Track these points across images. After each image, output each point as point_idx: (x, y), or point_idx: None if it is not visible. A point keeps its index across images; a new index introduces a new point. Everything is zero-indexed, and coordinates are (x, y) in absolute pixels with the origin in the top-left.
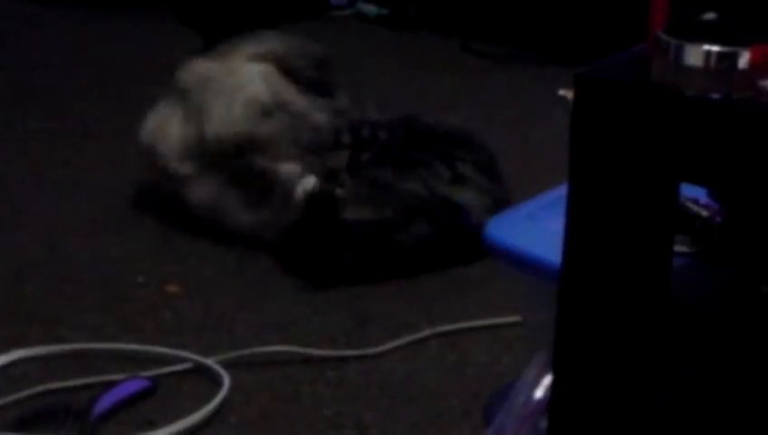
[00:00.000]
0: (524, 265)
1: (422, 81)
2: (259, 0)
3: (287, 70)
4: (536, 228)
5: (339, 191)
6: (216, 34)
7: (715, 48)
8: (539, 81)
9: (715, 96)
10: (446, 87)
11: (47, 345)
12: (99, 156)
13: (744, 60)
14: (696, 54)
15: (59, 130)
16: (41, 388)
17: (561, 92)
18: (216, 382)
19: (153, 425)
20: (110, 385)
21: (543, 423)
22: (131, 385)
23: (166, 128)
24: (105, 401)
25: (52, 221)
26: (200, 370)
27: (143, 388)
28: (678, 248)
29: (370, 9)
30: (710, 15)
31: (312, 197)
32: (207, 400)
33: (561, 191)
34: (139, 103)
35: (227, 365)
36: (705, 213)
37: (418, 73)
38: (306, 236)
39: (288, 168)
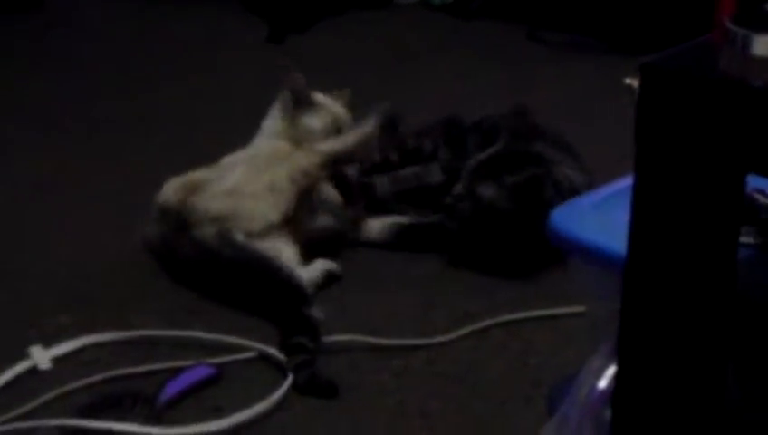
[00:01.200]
0: (589, 255)
1: (488, 69)
2: None
3: None
4: (602, 219)
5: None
6: (282, 23)
7: None
8: (605, 69)
9: None
10: (512, 75)
11: (115, 331)
12: (166, 144)
13: None
14: (764, 45)
15: (129, 115)
16: (109, 374)
17: (628, 81)
18: (281, 371)
19: (219, 412)
20: (177, 372)
21: (607, 414)
22: (198, 372)
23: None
24: (172, 388)
25: (124, 205)
26: (266, 358)
27: (209, 375)
28: (744, 239)
29: None
30: None
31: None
32: (273, 388)
33: (627, 181)
34: (200, 90)
35: None
36: None
37: (484, 62)
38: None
39: None
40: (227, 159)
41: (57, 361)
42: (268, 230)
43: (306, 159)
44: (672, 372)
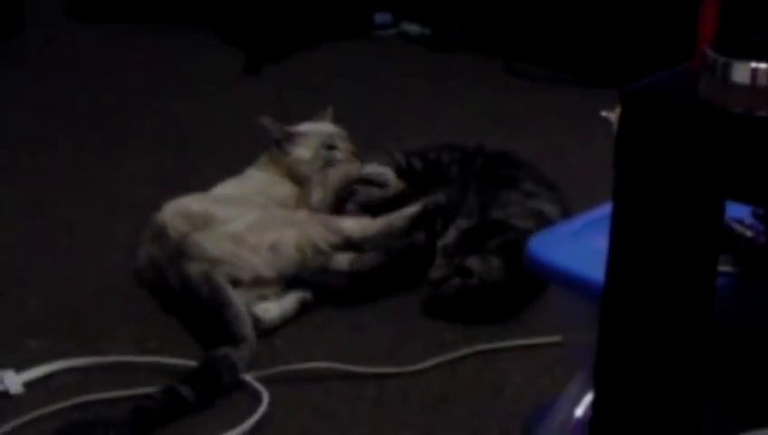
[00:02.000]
0: (567, 282)
1: (464, 101)
2: (302, 20)
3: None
4: (579, 246)
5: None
6: (258, 53)
7: (763, 66)
8: (581, 102)
9: (762, 114)
10: (488, 107)
11: (87, 357)
12: (136, 170)
13: None
14: (744, 72)
15: (107, 142)
16: (81, 399)
17: (604, 114)
18: (255, 398)
19: None
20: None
21: None
22: None
23: None
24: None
25: (98, 233)
26: (239, 385)
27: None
28: (722, 268)
29: (414, 29)
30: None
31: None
32: (247, 416)
33: (605, 210)
34: (177, 119)
35: (267, 381)
36: (749, 233)
37: (461, 94)
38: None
39: None
40: (220, 191)
41: (29, 386)
42: (255, 283)
43: (321, 235)
44: (649, 401)
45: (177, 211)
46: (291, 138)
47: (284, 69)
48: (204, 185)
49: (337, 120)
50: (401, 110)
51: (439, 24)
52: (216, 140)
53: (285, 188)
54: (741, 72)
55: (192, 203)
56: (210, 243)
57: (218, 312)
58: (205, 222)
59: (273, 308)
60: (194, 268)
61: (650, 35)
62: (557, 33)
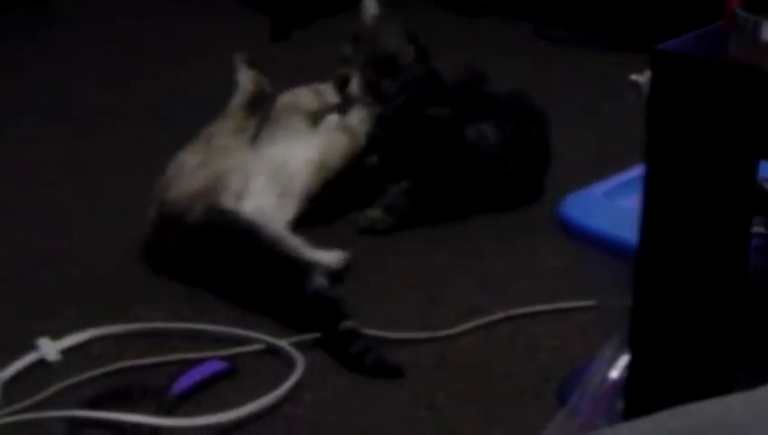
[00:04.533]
0: (600, 245)
1: (495, 66)
2: None
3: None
4: (612, 208)
5: None
6: (285, 20)
7: None
8: (612, 65)
9: None
10: (519, 72)
11: (123, 324)
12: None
13: None
14: None
15: (135, 108)
16: (117, 366)
17: (634, 77)
18: (290, 364)
19: (230, 405)
20: (187, 365)
21: (619, 404)
22: (211, 366)
23: None
24: (183, 381)
25: (130, 199)
26: (274, 351)
27: (222, 369)
28: (756, 229)
29: None
30: None
31: None
32: (282, 379)
33: (638, 171)
34: (207, 86)
35: (302, 347)
36: None
37: (491, 59)
38: None
39: None
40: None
41: (65, 353)
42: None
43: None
44: (684, 362)
45: (183, 192)
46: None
47: (311, 35)
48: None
49: None
50: None
51: None
52: None
53: None
54: None
55: (192, 180)
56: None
57: (273, 250)
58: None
59: (324, 254)
60: (194, 215)
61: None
62: None
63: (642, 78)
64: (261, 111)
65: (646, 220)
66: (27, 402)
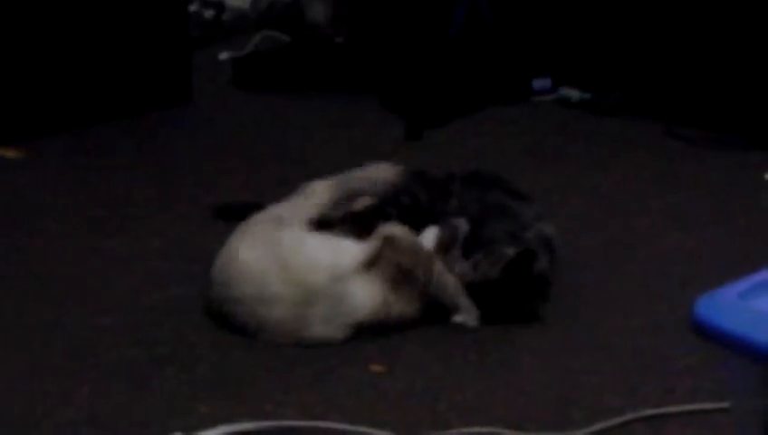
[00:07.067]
0: (735, 346)
1: (625, 166)
2: (463, 87)
3: None
4: (747, 309)
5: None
6: (419, 121)
7: None
8: (745, 166)
9: None
10: (649, 171)
11: (254, 421)
12: None
13: None
14: None
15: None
16: None
17: None
18: None
19: None
20: None
21: None
22: None
23: None
24: None
25: None
26: None
27: None
28: None
29: (573, 94)
30: None
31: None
32: None
33: None
34: None
35: None
36: None
37: (621, 158)
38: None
39: None
40: None
41: None
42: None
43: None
44: None
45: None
46: None
47: (444, 135)
48: None
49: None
50: (561, 174)
51: (599, 89)
52: None
53: None
54: None
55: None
56: None
57: None
58: None
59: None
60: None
61: None
62: (719, 96)
63: None
64: None
65: None
66: None
